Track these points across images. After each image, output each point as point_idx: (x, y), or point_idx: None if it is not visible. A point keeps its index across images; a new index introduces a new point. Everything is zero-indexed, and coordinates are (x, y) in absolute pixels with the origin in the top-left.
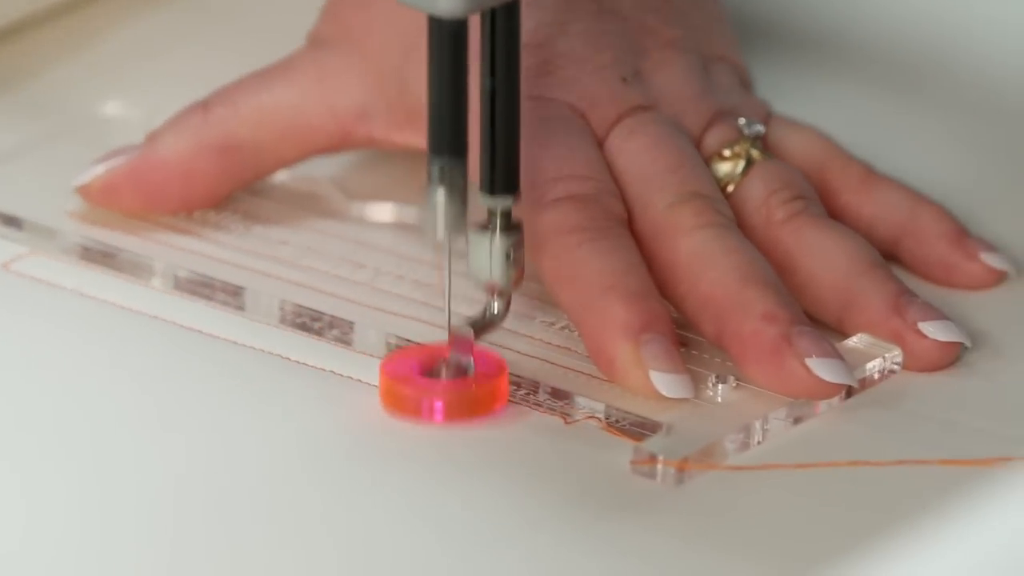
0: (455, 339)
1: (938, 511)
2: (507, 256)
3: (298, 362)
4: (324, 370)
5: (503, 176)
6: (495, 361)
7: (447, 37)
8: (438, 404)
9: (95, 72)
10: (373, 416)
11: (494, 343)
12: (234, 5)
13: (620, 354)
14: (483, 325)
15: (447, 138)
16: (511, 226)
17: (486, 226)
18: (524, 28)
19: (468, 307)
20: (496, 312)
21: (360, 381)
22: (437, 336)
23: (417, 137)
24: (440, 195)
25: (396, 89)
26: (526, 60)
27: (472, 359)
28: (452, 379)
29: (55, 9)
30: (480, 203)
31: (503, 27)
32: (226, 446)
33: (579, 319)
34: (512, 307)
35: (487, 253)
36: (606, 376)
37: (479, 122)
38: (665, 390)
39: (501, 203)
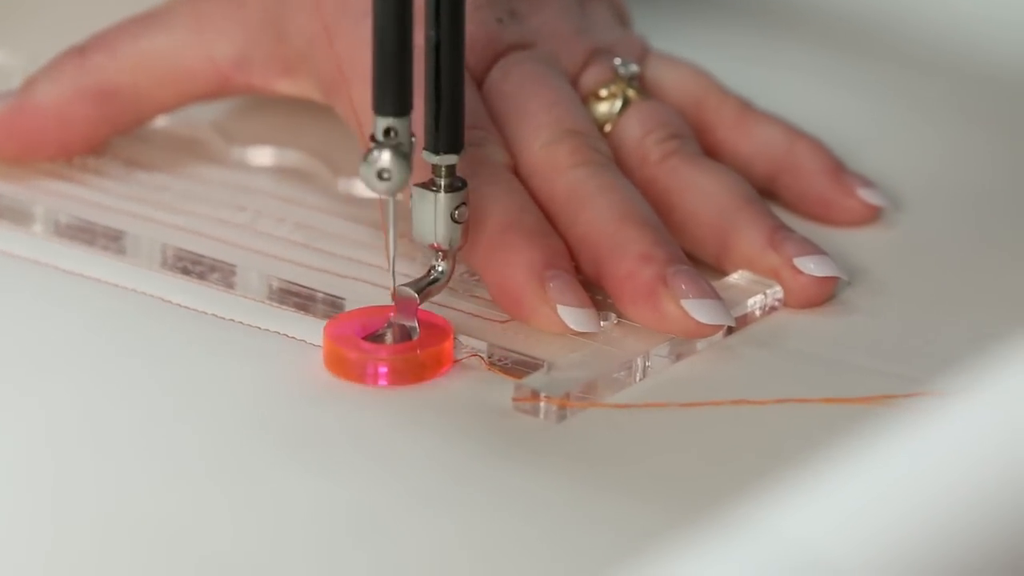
0: (399, 302)
1: (821, 450)
2: (452, 216)
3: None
4: (207, 313)
5: (448, 133)
6: (440, 324)
7: (392, 2)
8: (382, 369)
9: None
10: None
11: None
12: None
13: (527, 292)
14: (427, 287)
15: (391, 98)
16: (456, 185)
17: (430, 185)
18: None
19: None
20: (440, 273)
21: (248, 325)
22: (320, 280)
23: (295, 85)
24: (387, 157)
25: (273, 37)
26: None
27: (417, 322)
28: (396, 343)
29: None
30: (424, 160)
31: None
32: (156, 403)
33: (479, 263)
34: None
35: (431, 213)
36: (512, 316)
37: (423, 84)
38: (574, 324)
39: (445, 161)
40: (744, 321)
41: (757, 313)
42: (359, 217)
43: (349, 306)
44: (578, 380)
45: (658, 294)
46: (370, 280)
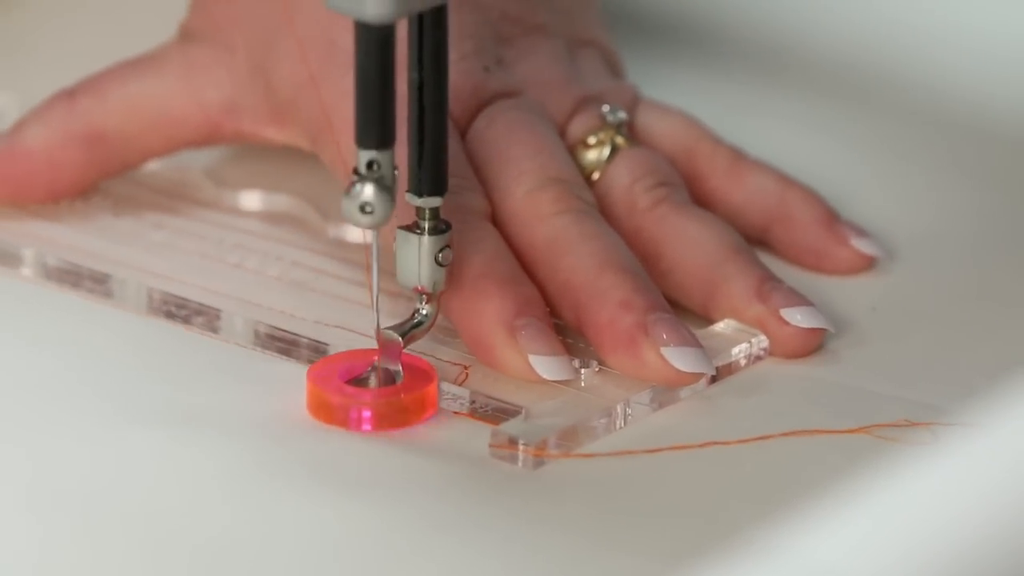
0: (383, 345)
1: (792, 487)
2: (436, 259)
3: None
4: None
5: (431, 175)
6: (423, 368)
7: (374, 42)
8: (366, 414)
9: None
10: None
11: None
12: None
13: (497, 341)
14: (412, 331)
15: (374, 130)
16: (440, 228)
17: (414, 228)
18: None
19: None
20: (425, 316)
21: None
22: (305, 326)
23: (283, 133)
24: (369, 192)
25: (262, 85)
26: None
27: (400, 366)
28: (380, 387)
29: None
30: (407, 203)
31: (431, 27)
32: (140, 444)
33: (452, 311)
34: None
35: (415, 256)
36: (486, 364)
37: (407, 127)
38: (545, 373)
39: (429, 203)
40: (729, 370)
41: (742, 362)
42: (348, 261)
43: (333, 352)
44: (556, 427)
45: (638, 342)
46: (356, 329)
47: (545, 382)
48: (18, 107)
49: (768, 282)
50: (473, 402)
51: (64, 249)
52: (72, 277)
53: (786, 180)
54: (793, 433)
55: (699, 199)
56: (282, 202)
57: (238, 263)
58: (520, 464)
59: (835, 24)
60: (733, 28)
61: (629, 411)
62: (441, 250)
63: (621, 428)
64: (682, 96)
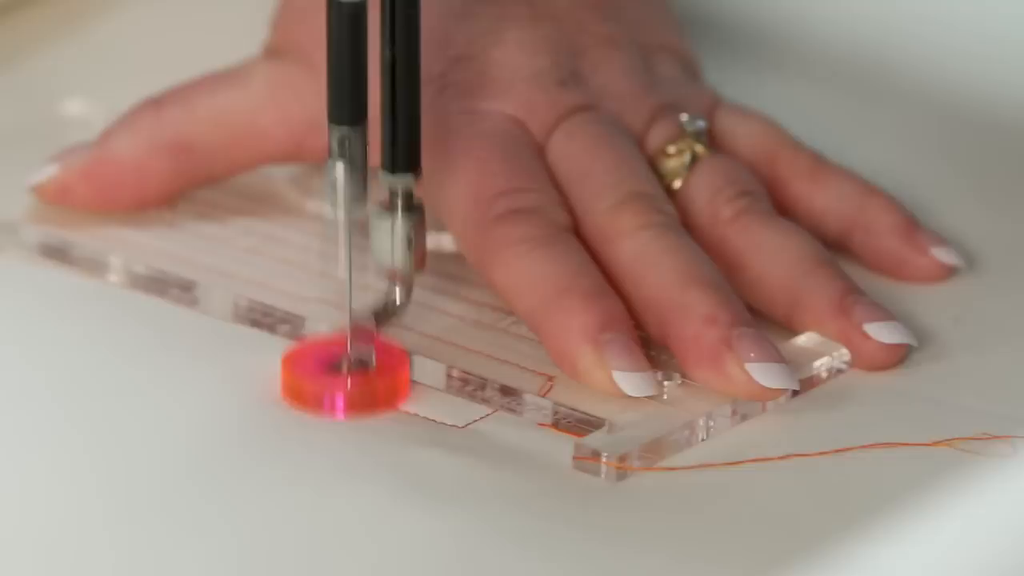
0: (356, 330)
1: (884, 499)
2: (409, 240)
3: None
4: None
5: (403, 153)
6: (397, 353)
7: (346, 19)
8: (339, 400)
9: (58, 70)
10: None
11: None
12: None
13: (581, 356)
14: (385, 314)
15: (346, 106)
16: (413, 207)
17: (387, 207)
18: (458, 40)
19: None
20: (397, 300)
21: None
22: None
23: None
24: (340, 169)
25: None
26: (461, 73)
27: (374, 351)
28: (353, 373)
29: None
30: (380, 183)
31: (403, 3)
32: (119, 432)
33: (538, 325)
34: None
35: (388, 236)
36: (571, 377)
37: (379, 104)
38: (629, 389)
39: (402, 182)
40: (810, 383)
41: (823, 375)
42: (431, 270)
43: (417, 363)
44: (638, 440)
45: (723, 357)
46: (439, 336)
47: (629, 396)
48: (105, 116)
49: (851, 295)
50: (556, 413)
51: (151, 256)
52: (159, 284)
53: (867, 187)
54: (873, 445)
55: (780, 204)
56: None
57: (324, 271)
58: (603, 476)
59: (916, 31)
60: (815, 31)
61: (711, 424)
62: (413, 231)
63: (703, 441)
64: (759, 101)
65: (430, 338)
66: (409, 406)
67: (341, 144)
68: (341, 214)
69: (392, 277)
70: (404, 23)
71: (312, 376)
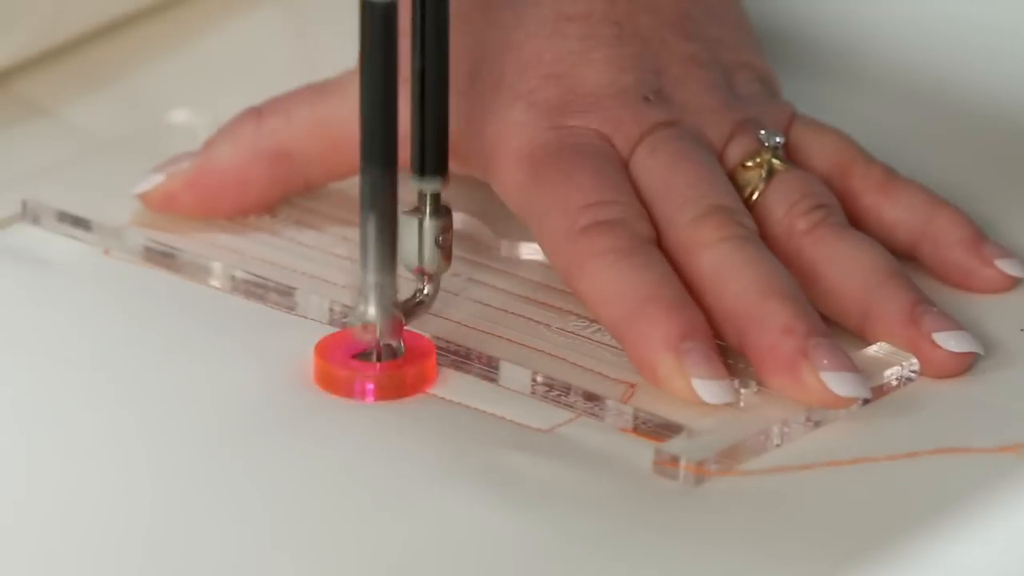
0: (385, 321)
1: (951, 504)
2: (436, 241)
3: None
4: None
5: (432, 157)
6: (424, 343)
7: (378, 20)
8: (369, 386)
9: (164, 82)
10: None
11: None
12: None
13: (662, 364)
14: (413, 308)
15: (378, 107)
16: (440, 210)
17: (415, 210)
18: (546, 59)
19: None
20: (426, 295)
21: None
22: (475, 337)
23: (457, 163)
24: (373, 172)
25: None
26: (550, 90)
27: (402, 342)
28: (383, 361)
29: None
30: (410, 186)
31: (432, 6)
32: (168, 411)
33: (621, 334)
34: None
35: (416, 238)
36: (651, 384)
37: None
38: (708, 396)
39: (430, 186)
40: (880, 391)
41: (894, 383)
42: (521, 278)
43: (504, 369)
44: (715, 446)
45: (799, 366)
46: (524, 343)
47: (708, 403)
48: (208, 125)
49: (920, 305)
50: (637, 419)
51: (251, 262)
52: (258, 290)
53: (936, 199)
54: (941, 451)
55: (852, 216)
56: (457, 220)
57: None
58: (681, 480)
59: (985, 45)
60: (885, 48)
61: (786, 430)
62: (441, 233)
63: (777, 447)
64: (832, 115)
65: (515, 344)
66: (436, 391)
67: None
68: (371, 214)
69: (420, 273)
70: (433, 33)
71: (343, 363)
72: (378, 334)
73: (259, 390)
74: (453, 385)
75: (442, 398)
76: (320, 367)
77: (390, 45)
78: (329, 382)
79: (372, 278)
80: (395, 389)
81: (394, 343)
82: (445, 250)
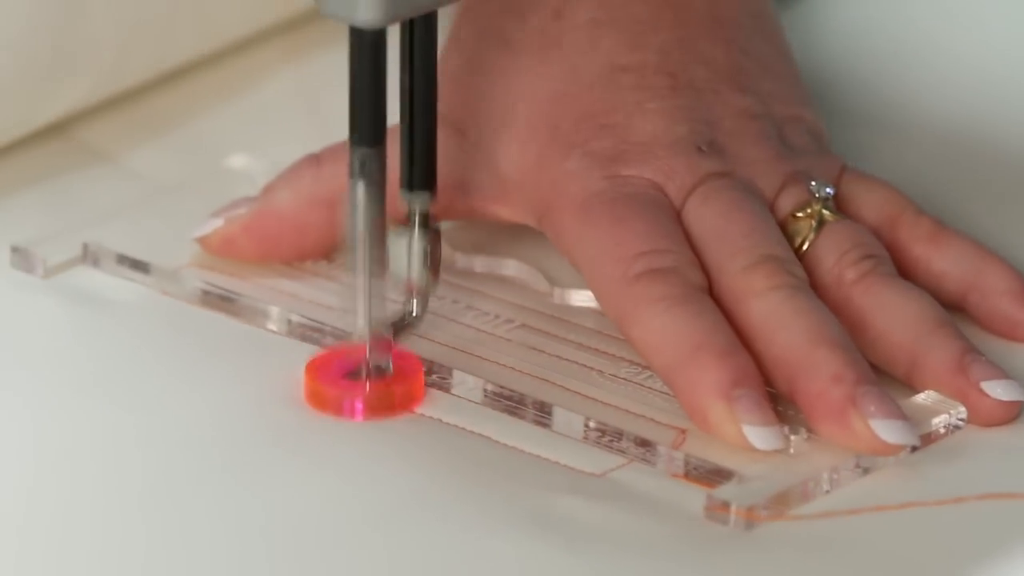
0: (374, 340)
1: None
2: (425, 255)
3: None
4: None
5: (421, 172)
6: (413, 360)
7: (367, 46)
8: (358, 404)
9: (224, 128)
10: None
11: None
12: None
13: (713, 411)
14: (402, 326)
15: (367, 129)
16: (429, 225)
17: (404, 224)
18: (602, 109)
19: None
20: (414, 312)
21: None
22: (530, 384)
23: (510, 211)
24: (360, 189)
25: (490, 165)
26: (605, 140)
27: (391, 360)
28: (372, 379)
29: (196, 63)
30: (399, 201)
31: (421, 32)
32: (162, 429)
33: (672, 380)
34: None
35: (405, 252)
36: (703, 431)
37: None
38: (759, 443)
39: (419, 200)
40: (928, 439)
41: (942, 431)
42: (574, 325)
43: (558, 413)
44: (766, 492)
45: (848, 413)
46: (578, 390)
47: (758, 449)
48: (267, 171)
49: (969, 355)
50: (688, 464)
51: (307, 306)
52: (315, 334)
53: (984, 251)
54: (988, 496)
55: (901, 267)
56: (511, 267)
57: (470, 323)
58: (732, 525)
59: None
60: (935, 103)
61: (835, 477)
62: (429, 247)
63: (827, 493)
64: (884, 167)
65: (569, 392)
66: (424, 409)
67: (361, 165)
68: (360, 229)
69: (409, 290)
70: (421, 52)
71: (333, 382)
72: (367, 352)
73: (251, 408)
74: (441, 405)
75: (430, 417)
76: (310, 386)
77: (379, 71)
78: (319, 400)
79: (361, 296)
80: (384, 407)
81: (383, 362)
82: (434, 266)
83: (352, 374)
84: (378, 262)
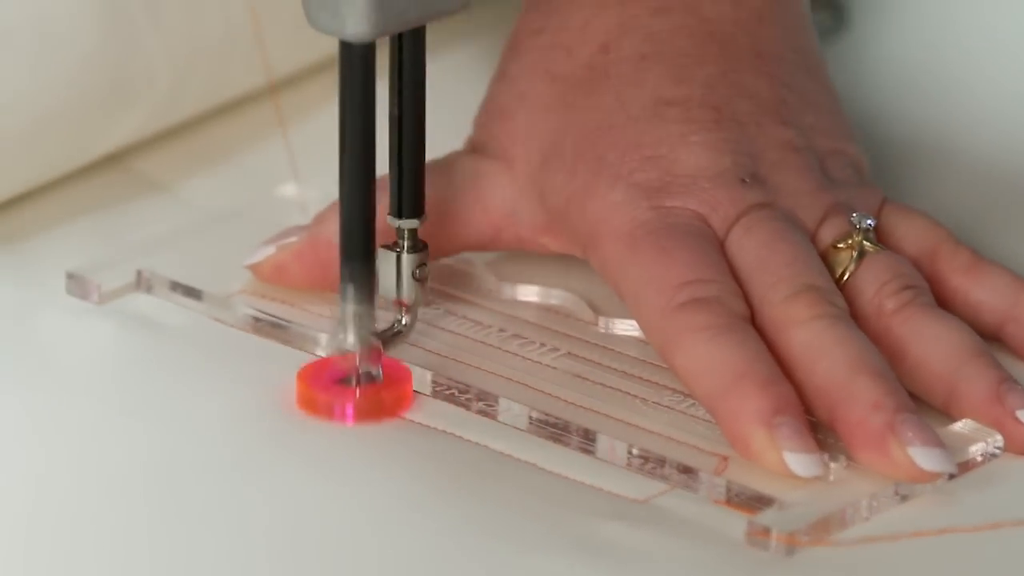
0: (364, 349)
1: None
2: (414, 275)
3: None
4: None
5: (410, 200)
6: (401, 370)
7: (357, 60)
8: (349, 408)
9: (277, 157)
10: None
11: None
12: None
13: (755, 438)
14: (391, 337)
15: (358, 142)
16: (417, 246)
17: (393, 247)
18: (647, 141)
19: None
20: (404, 325)
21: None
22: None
23: (557, 242)
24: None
25: (537, 196)
26: (650, 172)
27: (380, 368)
28: (362, 385)
29: (249, 96)
30: (388, 224)
31: (409, 52)
32: (159, 433)
33: (715, 407)
34: None
35: (394, 272)
36: (744, 458)
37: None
38: (799, 470)
39: (408, 225)
40: (966, 466)
41: (979, 459)
42: (619, 354)
43: (600, 441)
44: (806, 518)
45: (887, 441)
46: (624, 418)
47: (799, 476)
48: (317, 199)
49: (1005, 384)
50: (730, 491)
51: None
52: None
53: (1021, 282)
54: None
55: (940, 297)
56: (556, 297)
57: (516, 351)
58: (772, 550)
59: None
60: (974, 136)
61: (874, 504)
62: (419, 267)
63: (866, 519)
64: (922, 199)
65: (613, 419)
66: (412, 415)
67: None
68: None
69: (398, 305)
70: (410, 83)
71: (324, 387)
72: (358, 361)
73: (248, 413)
74: (428, 410)
75: (419, 423)
76: (302, 391)
77: (368, 85)
78: (311, 405)
79: (351, 309)
80: (373, 411)
81: (373, 370)
82: (422, 283)
83: (343, 380)
84: (367, 280)
